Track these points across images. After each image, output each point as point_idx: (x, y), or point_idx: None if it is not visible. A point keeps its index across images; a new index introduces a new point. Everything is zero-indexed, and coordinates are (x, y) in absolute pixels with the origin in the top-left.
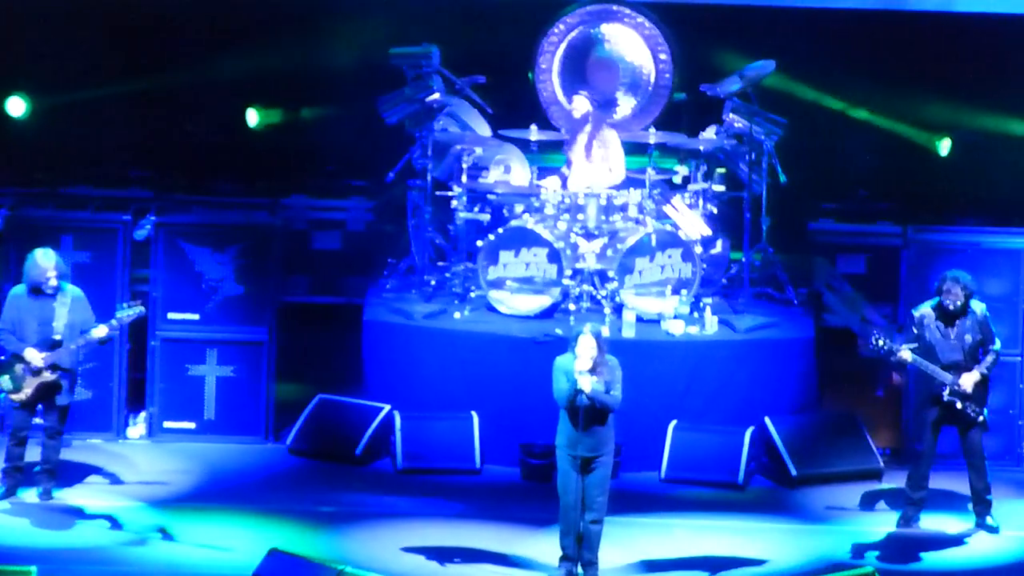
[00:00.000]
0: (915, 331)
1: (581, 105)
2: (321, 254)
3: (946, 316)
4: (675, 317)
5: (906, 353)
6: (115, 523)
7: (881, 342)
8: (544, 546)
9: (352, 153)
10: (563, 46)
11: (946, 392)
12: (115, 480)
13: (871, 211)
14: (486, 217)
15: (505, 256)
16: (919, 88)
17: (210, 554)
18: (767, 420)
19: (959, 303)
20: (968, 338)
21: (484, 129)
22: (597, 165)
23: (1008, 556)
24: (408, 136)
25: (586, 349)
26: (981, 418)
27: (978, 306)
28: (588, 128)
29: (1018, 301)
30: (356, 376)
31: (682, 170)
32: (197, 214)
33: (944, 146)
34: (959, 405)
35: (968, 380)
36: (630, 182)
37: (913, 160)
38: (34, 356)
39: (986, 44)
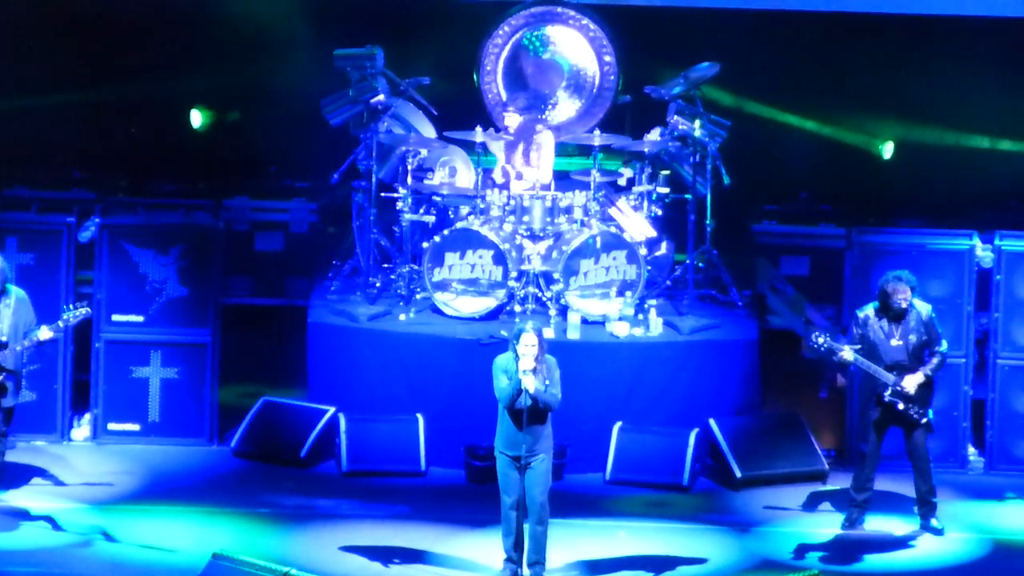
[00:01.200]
0: (858, 332)
1: (512, 122)
2: (264, 255)
3: (889, 317)
4: (620, 319)
5: (848, 353)
6: (58, 525)
7: (822, 340)
8: (489, 547)
9: (295, 154)
10: (507, 48)
11: (887, 393)
12: (59, 482)
13: (814, 213)
14: (431, 219)
15: (450, 258)
16: (860, 91)
17: (154, 555)
18: (711, 422)
19: (905, 302)
20: (912, 339)
21: (429, 131)
22: (535, 169)
23: (953, 558)
24: (352, 137)
25: (529, 348)
26: (925, 420)
27: (923, 307)
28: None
29: (962, 303)
30: (301, 378)
31: (626, 172)
32: (141, 216)
33: (887, 149)
34: (901, 406)
35: (911, 381)
36: (575, 184)
37: (855, 162)
38: None
39: (928, 46)
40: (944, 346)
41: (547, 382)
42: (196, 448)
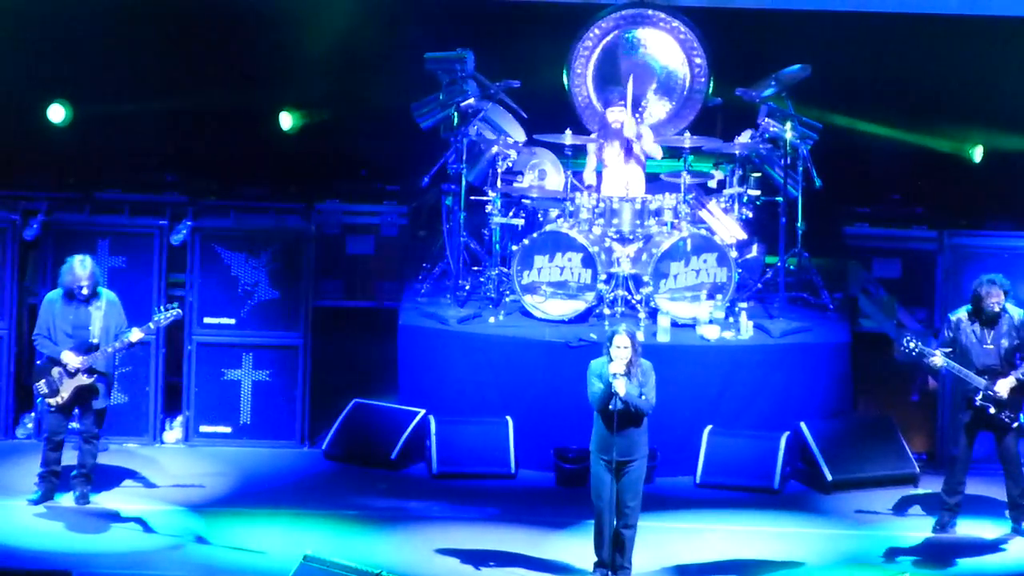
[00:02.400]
0: (950, 335)
1: (619, 117)
2: (355, 259)
3: (982, 320)
4: (710, 322)
5: (939, 357)
6: (149, 527)
7: (913, 344)
8: (578, 551)
9: (386, 158)
10: (598, 50)
11: (979, 397)
12: (150, 484)
13: (906, 215)
14: (520, 222)
15: (539, 261)
16: (951, 93)
17: (245, 557)
18: (802, 425)
19: (998, 306)
20: (1004, 343)
21: (518, 134)
22: (633, 168)
23: None
24: (443, 141)
25: (621, 350)
26: (1016, 424)
27: (1015, 311)
28: (618, 129)
29: None
30: (391, 381)
31: (717, 174)
32: (232, 219)
33: (978, 153)
34: (992, 411)
35: (1003, 386)
36: (665, 186)
37: (946, 164)
38: (71, 359)
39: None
40: None
41: (641, 386)
42: (287, 450)
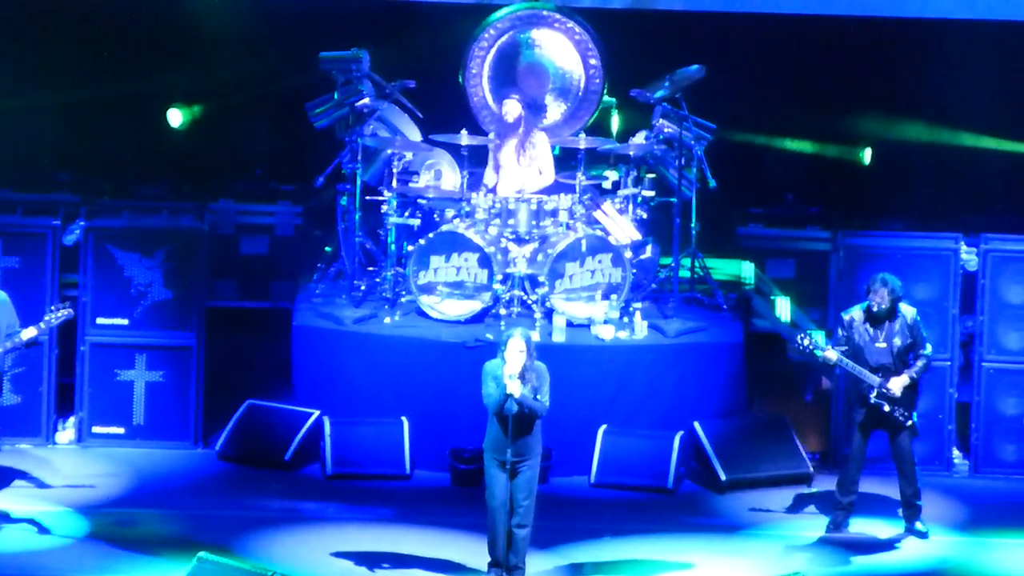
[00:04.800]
0: (844, 334)
1: (513, 109)
2: (249, 259)
3: (874, 319)
4: (605, 322)
5: (831, 353)
6: (42, 527)
7: (807, 341)
8: (473, 551)
9: (281, 158)
10: (493, 51)
11: (873, 395)
12: (43, 484)
13: (800, 216)
14: (416, 222)
15: (436, 261)
16: (843, 95)
17: (138, 559)
18: (696, 424)
19: (884, 306)
20: (897, 341)
21: (414, 134)
22: (527, 169)
23: (937, 561)
24: (338, 141)
25: (516, 354)
26: (910, 423)
27: (908, 310)
28: (520, 132)
29: (948, 306)
30: (286, 381)
31: (612, 175)
32: (125, 219)
33: (867, 155)
34: (886, 408)
35: (896, 384)
36: (560, 187)
37: (840, 165)
38: None
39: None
40: (929, 349)
41: (536, 389)
42: (181, 451)
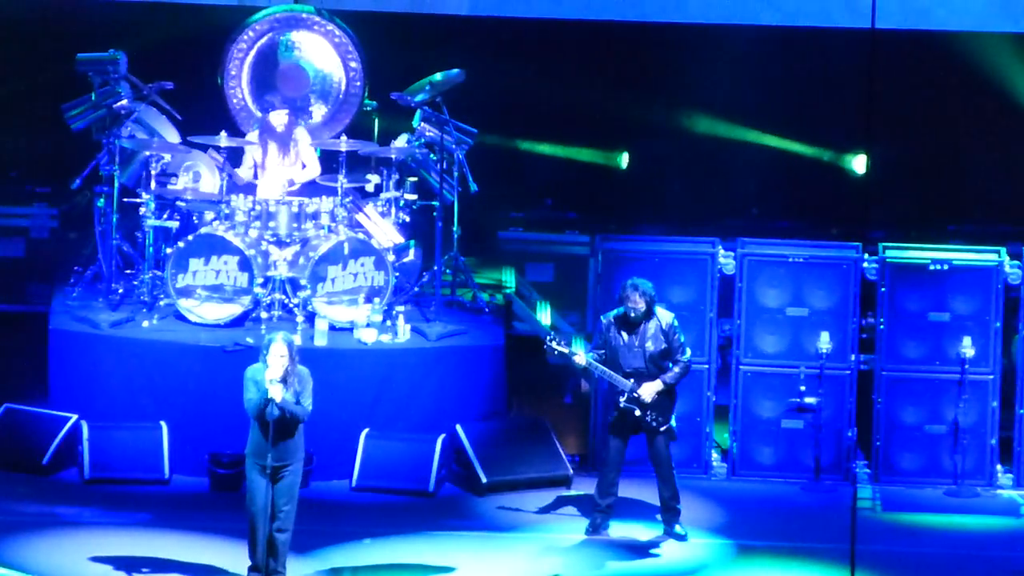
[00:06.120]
0: (601, 338)
1: (281, 120)
2: (4, 261)
3: (628, 323)
4: (367, 325)
5: (580, 357)
6: None
7: (556, 345)
8: (232, 555)
9: (37, 159)
10: (252, 53)
11: (623, 399)
12: None
13: (559, 220)
14: (175, 224)
15: (195, 264)
16: (601, 101)
17: None
18: (458, 427)
19: (641, 308)
20: (650, 345)
21: (173, 135)
22: (290, 168)
23: (696, 564)
24: (95, 142)
25: (277, 358)
26: (665, 427)
27: (665, 315)
28: (280, 132)
29: (705, 309)
30: (42, 385)
31: (374, 178)
32: None
33: (624, 159)
34: (637, 413)
35: (648, 389)
36: (322, 190)
37: (599, 170)
38: None
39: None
40: (687, 355)
41: (298, 394)
42: None
